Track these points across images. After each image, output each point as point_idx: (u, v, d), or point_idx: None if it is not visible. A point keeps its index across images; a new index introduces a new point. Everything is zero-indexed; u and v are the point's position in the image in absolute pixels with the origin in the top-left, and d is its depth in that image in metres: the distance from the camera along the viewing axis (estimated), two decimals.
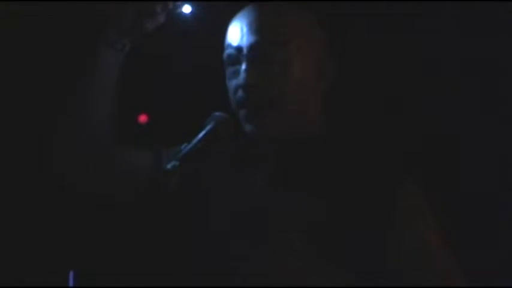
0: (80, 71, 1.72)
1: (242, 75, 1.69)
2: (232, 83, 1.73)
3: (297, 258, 1.55)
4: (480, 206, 2.57)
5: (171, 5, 1.72)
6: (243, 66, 1.69)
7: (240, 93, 1.70)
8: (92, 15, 1.76)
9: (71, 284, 2.73)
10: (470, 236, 2.49)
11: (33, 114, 2.51)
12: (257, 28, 1.70)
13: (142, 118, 3.00)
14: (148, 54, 2.68)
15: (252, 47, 1.69)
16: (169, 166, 1.57)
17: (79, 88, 1.72)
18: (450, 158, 2.61)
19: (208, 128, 1.67)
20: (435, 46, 2.64)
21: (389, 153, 1.76)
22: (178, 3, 1.72)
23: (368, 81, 2.68)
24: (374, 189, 1.64)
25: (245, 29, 1.71)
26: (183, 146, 1.64)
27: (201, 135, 1.65)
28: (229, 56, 1.73)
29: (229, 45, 1.73)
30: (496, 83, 2.62)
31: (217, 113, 1.69)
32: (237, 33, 1.72)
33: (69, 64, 1.75)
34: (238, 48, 1.71)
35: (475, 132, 2.63)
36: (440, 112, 2.67)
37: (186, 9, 1.74)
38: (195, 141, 1.63)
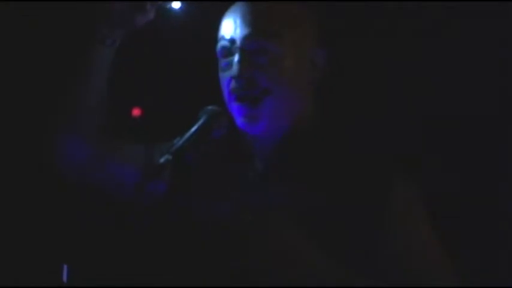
0: (71, 67, 1.72)
1: (235, 67, 1.69)
2: (225, 75, 1.73)
3: (293, 254, 1.54)
4: (475, 204, 2.57)
5: (160, 0, 1.72)
6: (236, 58, 1.69)
7: (232, 84, 1.70)
8: (82, 12, 1.75)
9: (65, 280, 2.72)
10: (464, 235, 2.49)
11: (25, 111, 2.51)
12: (251, 20, 1.70)
13: (136, 112, 3.00)
14: (142, 48, 2.68)
15: (245, 39, 1.69)
16: (162, 160, 1.56)
17: (71, 84, 1.72)
18: (444, 155, 2.61)
19: (201, 121, 1.66)
20: (430, 42, 2.64)
21: (383, 149, 1.76)
22: None
23: (361, 74, 2.68)
24: (367, 186, 1.64)
25: (239, 21, 1.71)
26: (175, 140, 1.64)
27: (194, 129, 1.65)
28: (223, 48, 1.73)
29: (223, 37, 1.73)
30: (492, 81, 2.63)
31: (210, 107, 1.69)
32: (230, 26, 1.72)
33: (60, 60, 1.75)
34: (232, 40, 1.71)
35: (471, 129, 2.64)
36: (435, 108, 2.67)
37: (176, 5, 1.75)
38: (188, 135, 1.63)
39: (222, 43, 1.73)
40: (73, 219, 2.91)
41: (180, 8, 1.75)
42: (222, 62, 1.74)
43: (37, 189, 2.81)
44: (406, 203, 1.65)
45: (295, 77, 1.72)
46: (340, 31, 2.53)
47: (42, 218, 2.89)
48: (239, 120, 1.72)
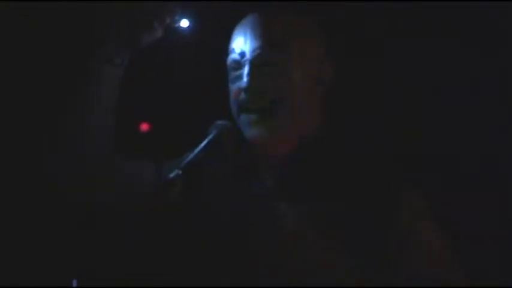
0: (79, 85, 1.72)
1: (245, 79, 1.71)
2: (234, 87, 1.75)
3: (301, 263, 1.54)
4: (482, 208, 2.57)
5: (168, 20, 1.73)
6: (246, 70, 1.72)
7: (242, 96, 1.72)
8: (90, 31, 1.76)
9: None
10: (472, 237, 2.48)
11: (32, 128, 2.52)
12: (260, 33, 1.73)
13: (144, 127, 3.00)
14: (151, 64, 2.69)
15: (254, 51, 1.72)
16: (172, 175, 1.57)
17: (79, 101, 1.72)
18: (451, 160, 2.61)
19: (210, 136, 1.67)
20: (436, 47, 2.64)
21: (391, 155, 1.77)
22: (176, 18, 1.74)
23: (367, 83, 2.68)
24: (377, 192, 1.65)
25: (248, 34, 1.74)
26: (185, 155, 1.64)
27: (204, 144, 1.65)
28: (233, 60, 1.76)
29: (233, 50, 1.76)
30: (495, 86, 2.62)
31: (219, 122, 1.70)
32: (240, 39, 1.75)
33: (68, 78, 1.75)
34: (242, 53, 1.74)
35: (476, 134, 2.63)
36: (442, 114, 2.67)
37: (184, 23, 1.75)
38: (197, 150, 1.64)
39: (232, 56, 1.76)
40: (78, 232, 2.91)
41: (188, 26, 1.75)
42: (232, 74, 1.76)
43: (42, 204, 2.80)
44: (415, 209, 1.66)
45: (303, 88, 1.73)
46: (346, 42, 2.54)
47: (35, 225, 2.89)
48: (248, 133, 1.73)
